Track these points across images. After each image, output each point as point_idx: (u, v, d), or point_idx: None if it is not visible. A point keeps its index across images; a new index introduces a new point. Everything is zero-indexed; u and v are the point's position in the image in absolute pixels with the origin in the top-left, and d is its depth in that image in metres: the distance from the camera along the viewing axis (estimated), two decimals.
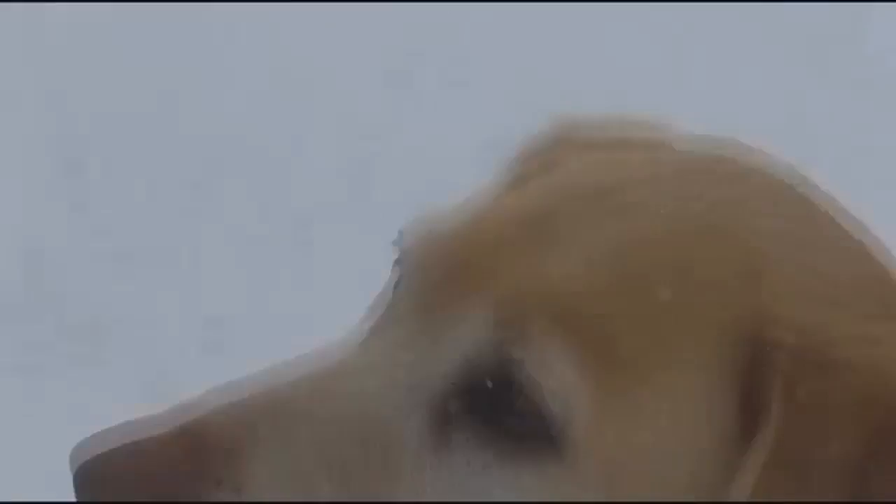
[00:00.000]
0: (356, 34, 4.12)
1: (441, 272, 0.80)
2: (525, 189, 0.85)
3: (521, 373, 0.74)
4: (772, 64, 4.07)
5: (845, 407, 0.73)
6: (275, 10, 4.18)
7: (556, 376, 0.74)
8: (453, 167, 2.89)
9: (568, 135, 0.95)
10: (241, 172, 3.68)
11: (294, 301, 3.11)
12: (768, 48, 4.20)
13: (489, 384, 0.75)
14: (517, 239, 0.79)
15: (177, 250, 3.37)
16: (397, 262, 0.84)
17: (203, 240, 3.41)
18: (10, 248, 3.26)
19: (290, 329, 2.63)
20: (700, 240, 0.80)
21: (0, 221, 3.38)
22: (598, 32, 4.20)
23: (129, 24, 4.14)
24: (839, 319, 0.76)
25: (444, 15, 4.16)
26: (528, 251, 0.78)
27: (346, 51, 4.04)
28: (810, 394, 0.73)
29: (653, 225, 0.80)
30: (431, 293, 0.80)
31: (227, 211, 3.53)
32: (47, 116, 3.80)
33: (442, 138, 3.60)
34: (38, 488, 2.25)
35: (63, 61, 3.99)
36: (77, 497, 0.77)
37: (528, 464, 0.75)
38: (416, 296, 0.80)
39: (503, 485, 0.75)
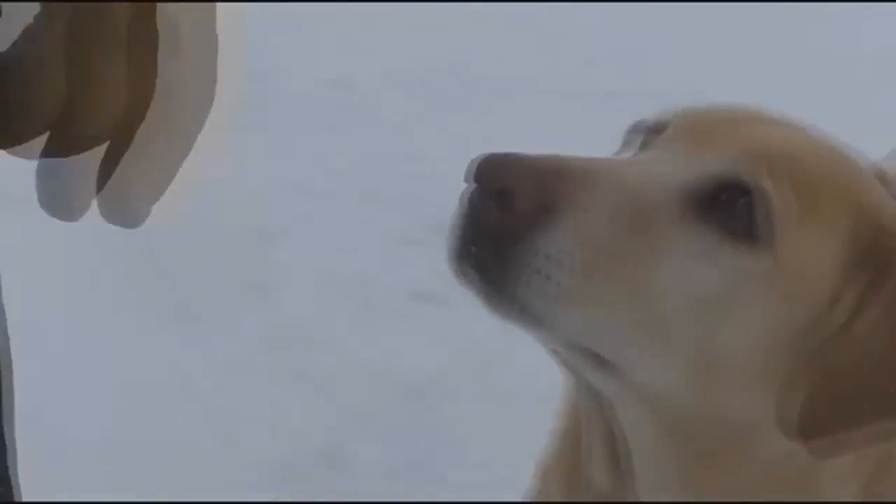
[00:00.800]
0: None
1: (697, 134, 1.16)
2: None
3: (750, 191, 1.10)
4: None
5: None
6: None
7: (769, 198, 1.09)
8: None
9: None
10: None
11: None
12: None
13: (725, 193, 1.10)
14: (744, 121, 1.18)
15: None
16: (634, 129, 1.21)
17: None
18: None
19: None
20: (833, 153, 1.17)
21: None
22: None
23: None
24: None
25: None
26: (752, 128, 1.16)
27: None
28: None
29: (803, 135, 1.18)
30: (691, 144, 1.14)
31: None
32: None
33: None
34: None
35: None
36: (476, 169, 1.07)
37: (738, 249, 1.09)
38: (679, 144, 1.15)
39: (718, 256, 1.09)
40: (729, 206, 1.09)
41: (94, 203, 0.84)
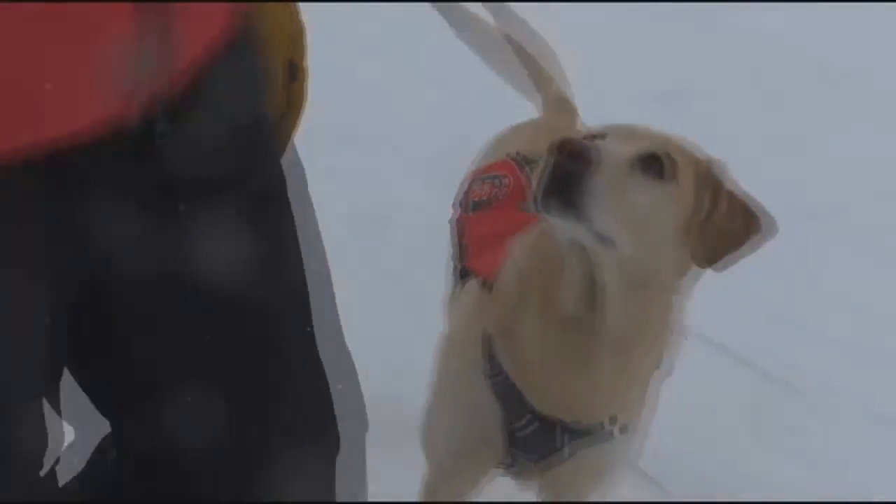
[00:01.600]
0: None
1: (625, 134, 2.04)
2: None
3: (661, 158, 1.97)
4: None
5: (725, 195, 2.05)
6: None
7: (673, 160, 1.98)
8: None
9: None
10: None
11: None
12: None
13: (647, 160, 1.97)
14: (638, 129, 2.05)
15: None
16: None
17: None
18: None
19: None
20: (678, 137, 2.08)
21: None
22: None
23: None
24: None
25: None
26: (646, 131, 2.06)
27: None
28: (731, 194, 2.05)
29: (661, 132, 2.08)
30: (625, 139, 2.00)
31: None
32: None
33: None
34: None
35: None
36: (559, 145, 1.92)
37: (660, 183, 1.96)
38: (618, 138, 2.01)
39: (650, 187, 1.95)
40: (650, 165, 1.96)
41: None
